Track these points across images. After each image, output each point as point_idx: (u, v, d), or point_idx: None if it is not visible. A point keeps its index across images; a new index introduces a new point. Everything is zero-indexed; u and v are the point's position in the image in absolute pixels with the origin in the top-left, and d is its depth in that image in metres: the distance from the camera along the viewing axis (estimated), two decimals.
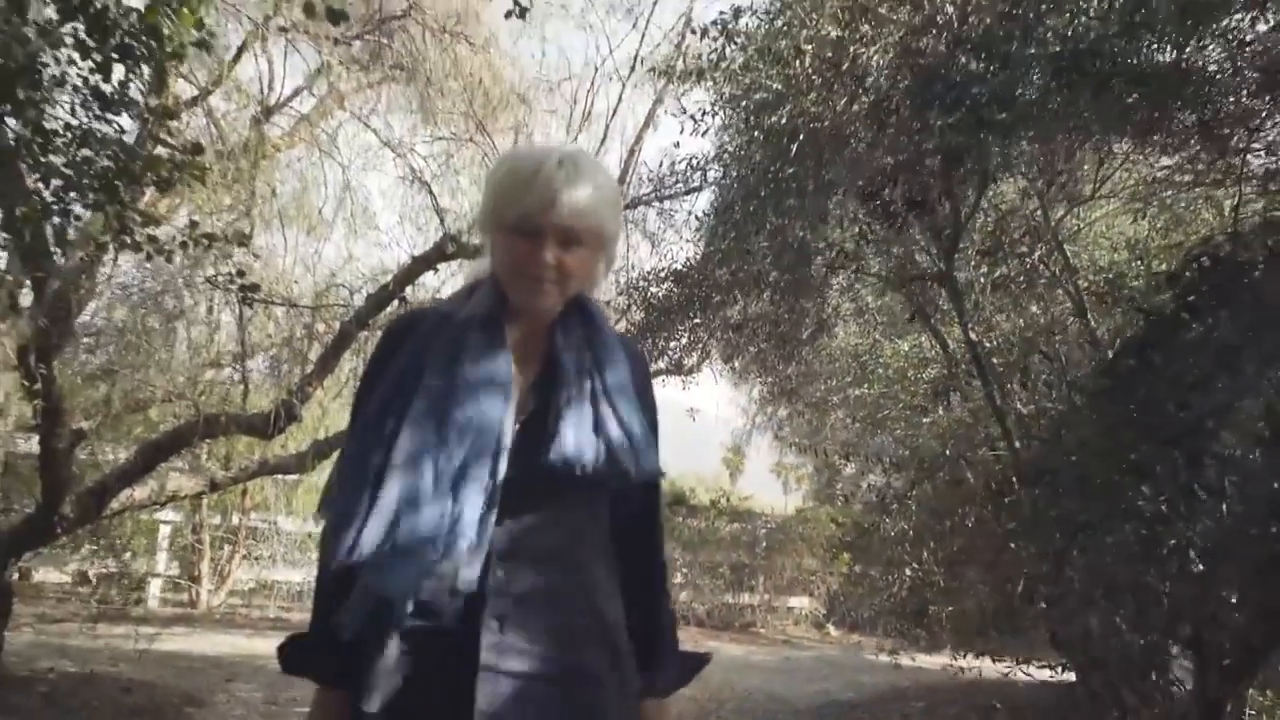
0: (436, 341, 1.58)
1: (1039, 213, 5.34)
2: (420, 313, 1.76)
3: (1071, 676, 5.29)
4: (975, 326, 5.00)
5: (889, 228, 4.25)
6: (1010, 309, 5.44)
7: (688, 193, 6.82)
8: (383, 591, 1.45)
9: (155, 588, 10.72)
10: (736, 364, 7.89)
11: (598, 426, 1.57)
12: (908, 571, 5.96)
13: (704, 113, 4.90)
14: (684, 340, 7.35)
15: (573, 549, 1.60)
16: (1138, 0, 3.41)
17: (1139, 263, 5.54)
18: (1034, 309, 5.39)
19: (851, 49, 4.04)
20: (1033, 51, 3.54)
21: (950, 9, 3.99)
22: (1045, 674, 5.70)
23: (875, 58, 4.06)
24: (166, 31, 3.23)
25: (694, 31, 4.79)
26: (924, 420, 6.30)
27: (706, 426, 12.29)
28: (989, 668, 6.19)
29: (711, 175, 5.84)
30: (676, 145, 6.04)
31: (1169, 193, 5.41)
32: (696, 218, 6.37)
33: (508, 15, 3.74)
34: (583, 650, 1.57)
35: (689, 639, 10.65)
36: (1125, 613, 3.22)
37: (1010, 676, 5.93)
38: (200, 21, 3.21)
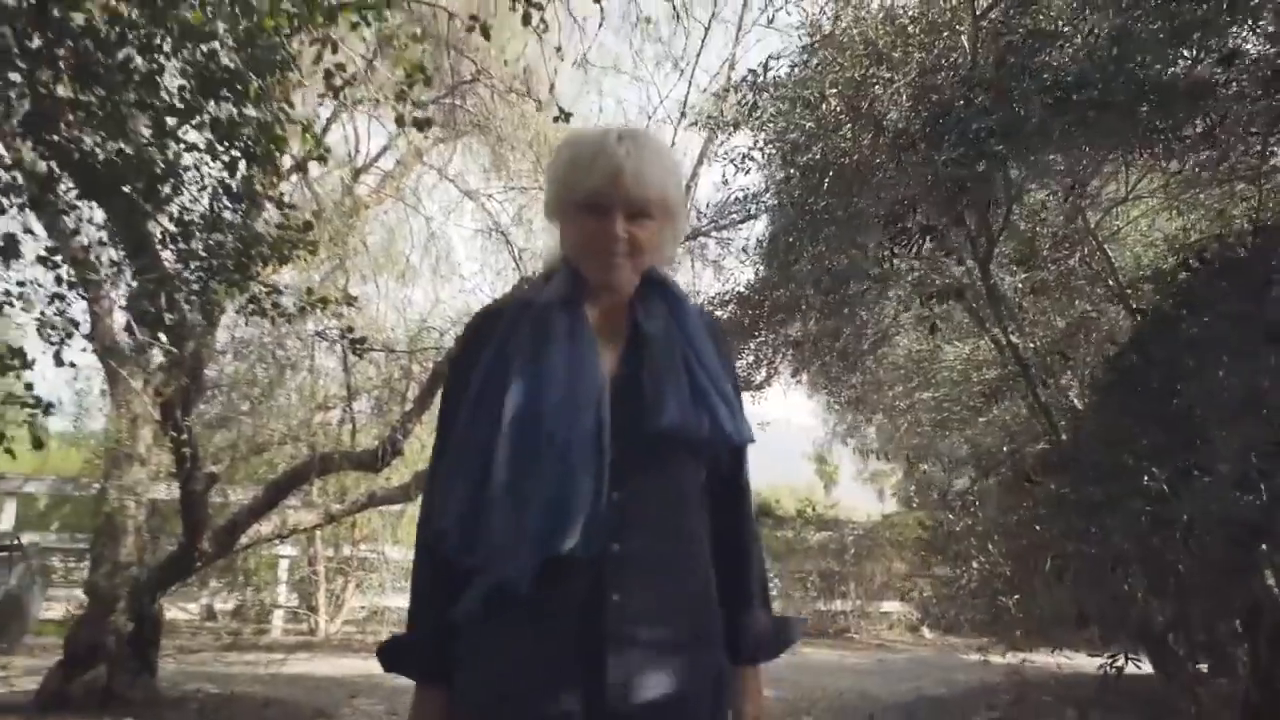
0: (520, 329, 1.62)
1: (1077, 218, 5.73)
2: (498, 305, 1.82)
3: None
4: (1015, 330, 5.41)
5: (909, 253, 4.72)
6: (1052, 310, 5.83)
7: (742, 221, 7.35)
8: (509, 580, 1.49)
9: (278, 618, 11.52)
10: (804, 377, 8.36)
11: (696, 392, 1.60)
12: (974, 566, 6.33)
13: (744, 156, 5.46)
14: (751, 358, 7.88)
15: (681, 516, 1.65)
16: (1118, 35, 3.85)
17: (1175, 257, 5.87)
18: (1073, 309, 5.77)
19: (872, 90, 4.55)
20: (1029, 85, 3.99)
21: (959, 50, 4.46)
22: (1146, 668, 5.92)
23: (893, 97, 4.55)
24: (282, 135, 3.91)
25: (731, 88, 5.34)
26: (980, 420, 6.70)
27: (788, 437, 12.71)
28: (1087, 662, 6.44)
29: (762, 206, 6.39)
30: (725, 182, 6.47)
31: (1198, 191, 5.73)
32: (747, 249, 6.93)
33: (556, 119, 4.38)
34: (701, 615, 1.63)
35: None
36: (1136, 584, 3.63)
37: (1104, 670, 6.19)
38: (318, 141, 3.88)
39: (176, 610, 11.10)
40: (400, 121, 4.00)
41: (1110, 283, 5.69)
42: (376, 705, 7.20)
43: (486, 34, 4.13)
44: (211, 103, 3.56)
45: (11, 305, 3.89)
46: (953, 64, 4.46)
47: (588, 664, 1.49)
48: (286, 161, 7.42)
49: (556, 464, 1.51)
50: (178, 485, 6.39)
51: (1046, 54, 4.12)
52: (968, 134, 3.90)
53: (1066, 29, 4.43)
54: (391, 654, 1.67)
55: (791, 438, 12.19)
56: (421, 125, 3.95)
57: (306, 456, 7.04)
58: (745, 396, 9.57)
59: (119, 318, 7.51)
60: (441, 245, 10.10)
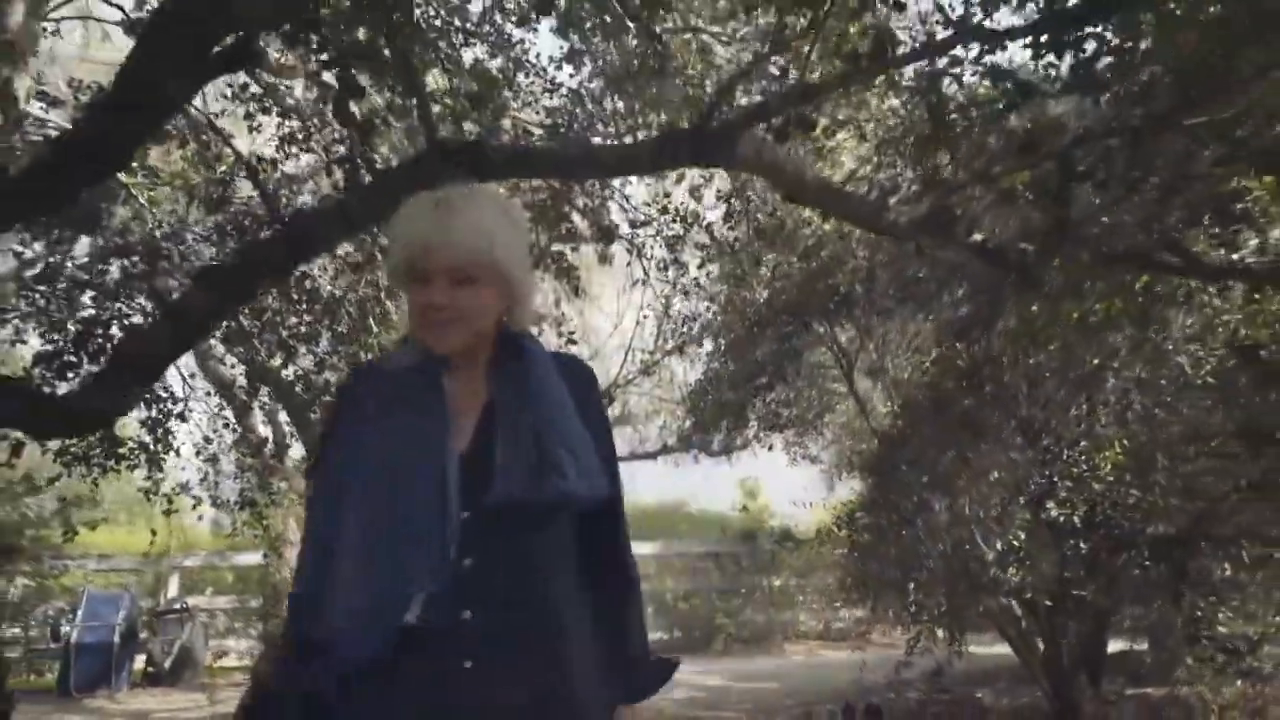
0: (372, 398, 1.71)
1: None
2: (362, 372, 1.96)
3: None
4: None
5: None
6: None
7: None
8: (353, 652, 1.56)
9: None
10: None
11: (541, 457, 1.64)
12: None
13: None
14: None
15: (539, 581, 1.68)
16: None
17: None
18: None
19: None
20: None
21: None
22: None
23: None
24: None
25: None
26: None
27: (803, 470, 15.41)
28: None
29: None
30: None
31: None
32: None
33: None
34: (557, 679, 1.67)
35: (804, 651, 13.90)
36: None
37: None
38: None
39: None
40: None
41: None
42: None
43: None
44: None
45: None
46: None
47: None
48: None
49: (399, 534, 1.58)
50: None
51: None
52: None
53: None
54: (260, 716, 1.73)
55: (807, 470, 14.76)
56: None
57: None
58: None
59: (262, 430, 10.54)
60: None
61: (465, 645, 1.59)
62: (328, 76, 4.48)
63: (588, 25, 3.84)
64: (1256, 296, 3.98)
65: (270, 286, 5.56)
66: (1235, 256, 3.68)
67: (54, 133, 5.47)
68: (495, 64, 5.39)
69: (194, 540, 13.95)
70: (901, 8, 3.10)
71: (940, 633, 7.23)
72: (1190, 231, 3.68)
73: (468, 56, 5.39)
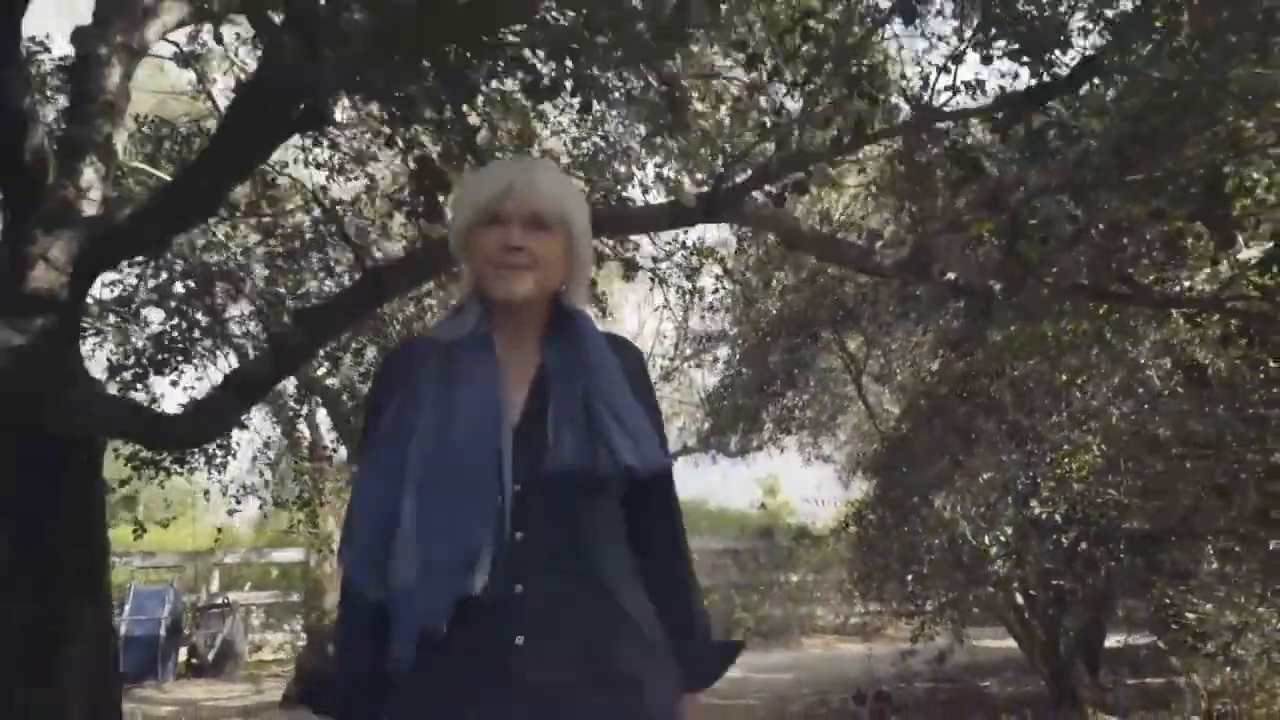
0: (427, 367, 1.72)
1: None
2: (410, 343, 1.98)
3: None
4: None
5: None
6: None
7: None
8: (422, 618, 1.56)
9: None
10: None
11: (593, 427, 1.66)
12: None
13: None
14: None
15: (591, 554, 1.68)
16: None
17: None
18: None
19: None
20: None
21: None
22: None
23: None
24: None
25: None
26: None
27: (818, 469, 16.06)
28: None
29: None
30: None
31: None
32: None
33: None
34: (614, 653, 1.65)
35: (821, 645, 14.54)
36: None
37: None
38: None
39: None
40: None
41: None
42: None
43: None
44: None
45: None
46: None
47: (495, 709, 1.55)
48: None
49: (459, 503, 1.59)
50: None
51: None
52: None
53: None
54: (313, 702, 1.78)
55: (822, 469, 15.44)
56: None
57: None
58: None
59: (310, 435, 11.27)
60: None
61: (518, 620, 1.59)
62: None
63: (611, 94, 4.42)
64: (1199, 321, 4.62)
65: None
66: (1178, 288, 4.33)
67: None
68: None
69: (234, 538, 14.78)
70: (876, 102, 3.75)
71: (940, 622, 7.91)
72: (1142, 264, 4.32)
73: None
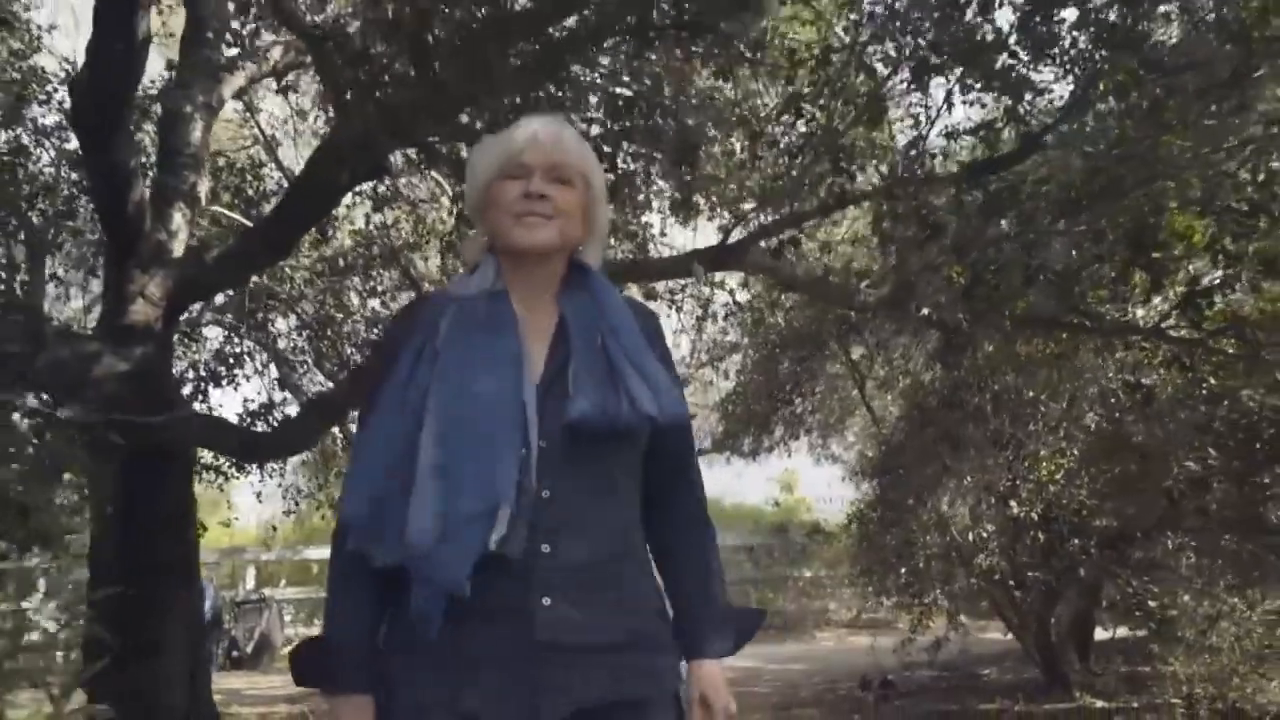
0: (445, 321, 1.69)
1: None
2: (425, 297, 1.96)
3: None
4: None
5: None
6: None
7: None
8: (445, 581, 1.52)
9: None
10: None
11: (614, 379, 1.65)
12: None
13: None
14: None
15: (615, 512, 1.69)
16: None
17: None
18: None
19: None
20: None
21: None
22: None
23: None
24: None
25: None
26: None
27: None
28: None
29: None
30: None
31: None
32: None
33: None
34: (640, 615, 1.68)
35: (834, 637, 15.25)
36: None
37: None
38: None
39: None
40: None
41: None
42: None
43: None
44: None
45: None
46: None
47: (519, 669, 1.54)
48: None
49: (482, 456, 1.55)
50: None
51: None
52: None
53: None
54: (307, 665, 1.67)
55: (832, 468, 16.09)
56: None
57: None
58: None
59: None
60: None
61: (544, 581, 1.57)
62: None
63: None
64: (1144, 347, 5.40)
65: None
66: (1127, 317, 5.12)
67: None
68: None
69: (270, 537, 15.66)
70: (853, 177, 4.60)
71: (936, 614, 8.69)
72: (1087, 300, 5.10)
73: None
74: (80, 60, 4.95)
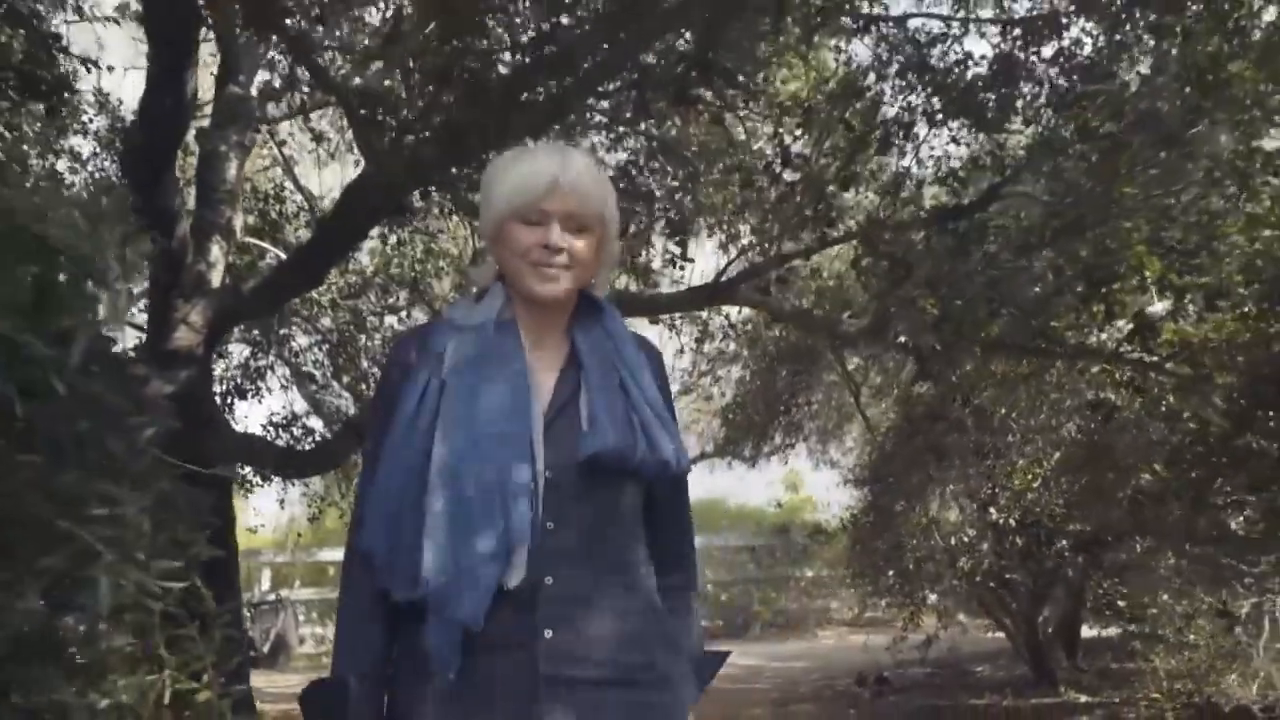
0: (449, 352, 1.68)
1: None
2: (427, 327, 1.88)
3: None
4: None
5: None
6: None
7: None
8: (462, 618, 1.52)
9: None
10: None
11: (631, 415, 1.66)
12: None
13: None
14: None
15: (620, 546, 1.69)
16: None
17: None
18: None
19: None
20: None
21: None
22: None
23: None
24: None
25: None
26: None
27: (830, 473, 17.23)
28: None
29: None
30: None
31: None
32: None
33: None
34: (647, 650, 1.66)
35: (834, 636, 15.72)
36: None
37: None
38: None
39: None
40: None
41: None
42: None
43: None
44: None
45: None
46: None
47: (522, 702, 1.54)
48: None
49: (496, 492, 1.55)
50: None
51: None
52: None
53: None
54: (317, 707, 1.67)
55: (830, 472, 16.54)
56: None
57: None
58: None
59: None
60: None
61: (547, 612, 1.57)
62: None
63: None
64: (1107, 367, 5.94)
65: None
66: (1087, 344, 5.67)
67: None
68: None
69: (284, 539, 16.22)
70: (833, 223, 5.20)
71: (925, 613, 9.23)
72: (1052, 326, 5.63)
73: None
74: (113, 91, 5.42)
